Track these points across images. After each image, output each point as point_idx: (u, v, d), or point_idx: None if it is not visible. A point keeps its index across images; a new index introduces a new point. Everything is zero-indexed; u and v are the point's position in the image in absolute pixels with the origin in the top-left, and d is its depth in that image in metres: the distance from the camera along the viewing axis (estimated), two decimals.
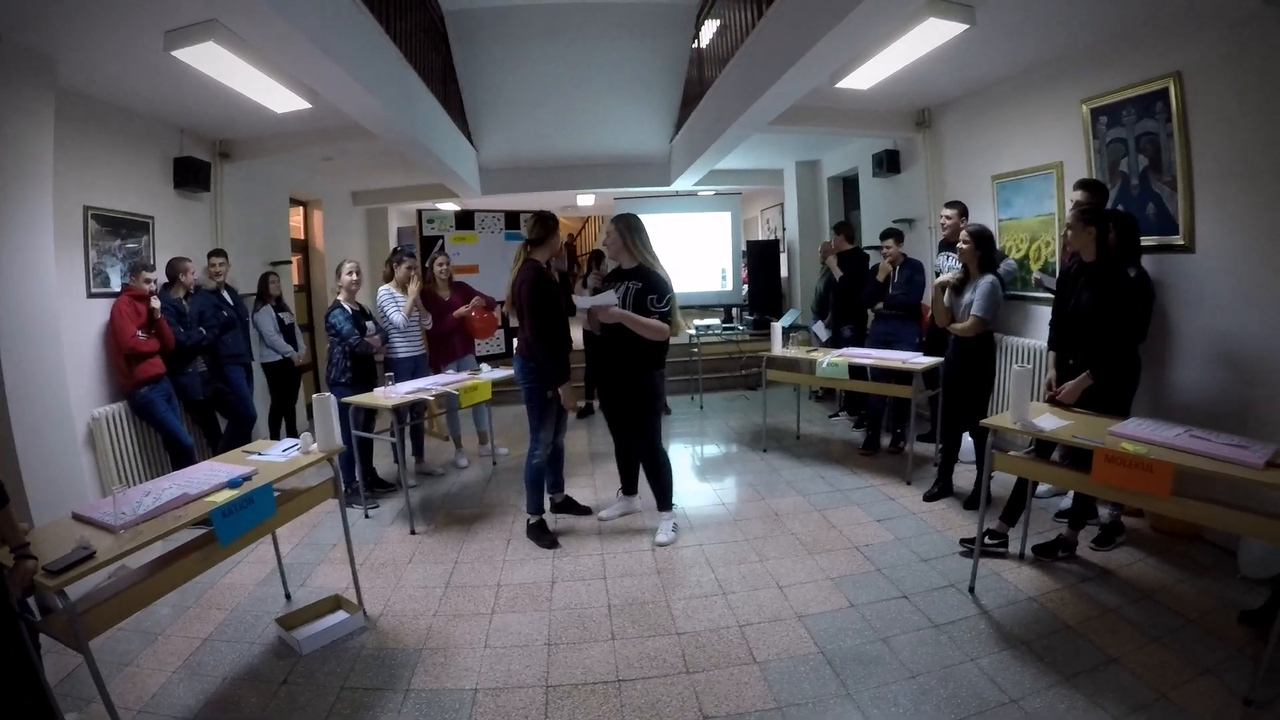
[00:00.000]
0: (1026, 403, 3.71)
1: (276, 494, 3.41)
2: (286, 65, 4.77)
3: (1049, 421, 3.63)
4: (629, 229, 4.72)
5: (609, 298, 4.54)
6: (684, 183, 10.49)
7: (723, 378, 10.35)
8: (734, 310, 12.41)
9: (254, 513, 3.21)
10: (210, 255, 6.47)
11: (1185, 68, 4.53)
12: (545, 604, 4.02)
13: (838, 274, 7.23)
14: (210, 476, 3.37)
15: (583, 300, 4.66)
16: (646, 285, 4.60)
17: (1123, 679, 3.04)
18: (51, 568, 2.42)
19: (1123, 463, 3.09)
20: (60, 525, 2.92)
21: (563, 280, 4.93)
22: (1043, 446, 3.96)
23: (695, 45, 8.93)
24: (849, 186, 10.38)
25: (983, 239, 4.89)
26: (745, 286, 12.35)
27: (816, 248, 9.38)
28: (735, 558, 4.51)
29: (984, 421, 3.85)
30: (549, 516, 5.18)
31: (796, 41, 4.88)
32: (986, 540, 4.16)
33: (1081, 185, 4.84)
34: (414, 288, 6.28)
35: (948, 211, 6.22)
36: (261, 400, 6.99)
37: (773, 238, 13.54)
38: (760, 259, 12.09)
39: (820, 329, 7.74)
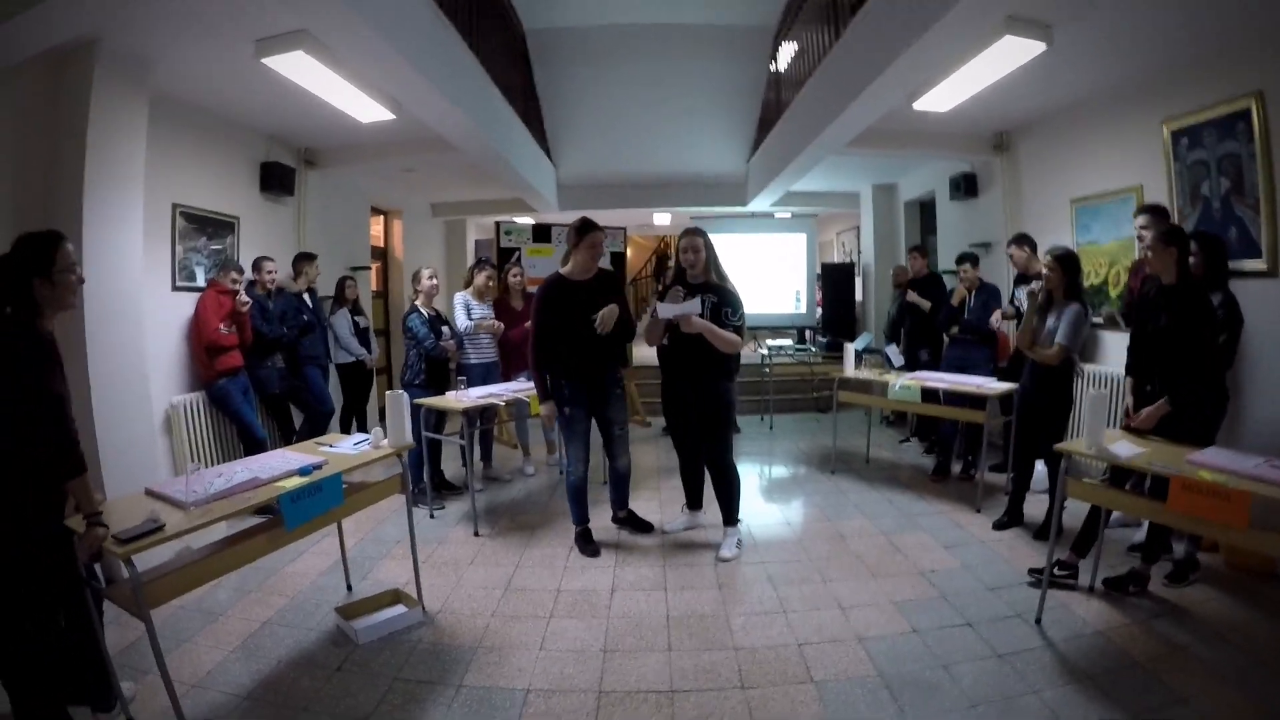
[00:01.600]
0: (1102, 428, 3.60)
1: (345, 485, 3.49)
2: (372, 75, 4.93)
3: (1125, 448, 3.52)
4: (709, 243, 4.72)
5: (693, 306, 4.51)
6: (760, 203, 10.51)
7: (794, 399, 10.25)
8: (807, 332, 12.32)
9: (321, 500, 3.28)
10: (303, 259, 6.69)
11: (1267, 87, 4.44)
12: (604, 611, 4.02)
13: (925, 305, 7.13)
14: (282, 463, 3.47)
15: (666, 309, 4.58)
16: (721, 299, 4.60)
17: None
18: (121, 536, 2.51)
19: (1200, 491, 2.97)
20: (133, 499, 3.03)
21: (604, 290, 4.84)
22: (1117, 475, 3.84)
23: (773, 68, 8.94)
24: (925, 210, 10.27)
25: (1069, 264, 4.75)
26: (819, 309, 12.26)
27: (891, 271, 9.30)
28: (798, 577, 4.45)
29: (1058, 446, 3.73)
30: (611, 528, 5.24)
31: (873, 61, 4.90)
32: (1056, 571, 4.02)
33: (1145, 211, 4.80)
34: (489, 326, 6.40)
35: (1016, 250, 6.11)
36: (334, 400, 7.11)
37: (848, 261, 13.44)
38: (835, 281, 12.02)
39: (894, 353, 7.65)
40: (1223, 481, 2.94)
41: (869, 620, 3.86)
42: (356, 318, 7.23)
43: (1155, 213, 4.75)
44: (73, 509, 2.64)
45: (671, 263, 4.94)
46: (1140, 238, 4.88)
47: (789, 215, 12.22)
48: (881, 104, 5.49)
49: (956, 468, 6.56)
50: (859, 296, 12.07)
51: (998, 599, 4.07)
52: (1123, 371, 4.85)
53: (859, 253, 12.33)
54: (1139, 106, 5.48)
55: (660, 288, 4.98)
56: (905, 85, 5.15)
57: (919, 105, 5.84)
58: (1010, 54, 4.72)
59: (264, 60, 4.53)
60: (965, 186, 8.08)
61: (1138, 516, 4.29)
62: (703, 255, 4.68)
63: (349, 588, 4.32)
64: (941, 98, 5.70)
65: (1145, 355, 4.08)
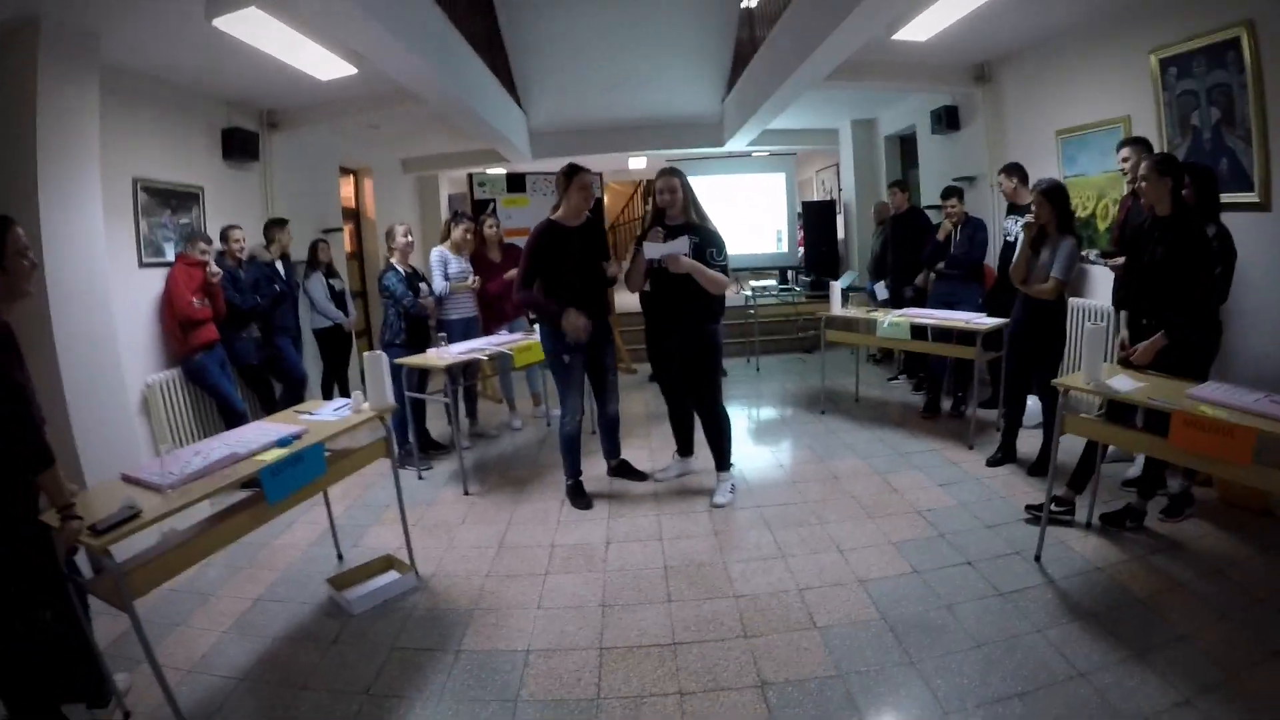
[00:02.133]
0: (1100, 363, 3.55)
1: (327, 453, 3.40)
2: (329, 29, 4.74)
3: (1123, 383, 3.47)
4: (686, 183, 4.61)
5: (680, 245, 4.38)
6: (737, 143, 10.34)
7: (779, 340, 10.21)
8: (789, 272, 12.24)
9: (303, 471, 3.20)
10: (274, 226, 6.52)
11: (1257, 15, 4.33)
12: (600, 565, 3.98)
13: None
14: (260, 436, 3.35)
15: (652, 249, 4.45)
16: (704, 239, 4.49)
17: (1193, 657, 2.90)
18: (97, 527, 2.41)
19: (1202, 427, 2.94)
20: (109, 486, 2.91)
21: (592, 237, 4.77)
22: (1114, 410, 3.80)
23: (745, 4, 8.72)
24: (906, 145, 10.16)
25: (1056, 196, 4.65)
26: (801, 248, 12.16)
27: (872, 208, 9.21)
28: (794, 520, 4.42)
29: (1055, 381, 3.69)
30: (604, 479, 5.18)
31: None
32: (1053, 507, 4.00)
33: (1128, 143, 4.77)
34: (466, 286, 6.29)
35: (1004, 180, 6.00)
36: (313, 366, 7.03)
37: (828, 198, 13.31)
38: (816, 220, 11.89)
39: (880, 288, 7.58)
40: (1224, 417, 2.89)
41: (869, 562, 3.85)
42: (331, 281, 7.05)
43: (1138, 145, 4.72)
44: (47, 503, 2.54)
45: (649, 205, 4.82)
46: (1123, 171, 4.84)
47: (767, 154, 12.07)
48: (861, 33, 5.31)
49: (946, 404, 6.53)
50: (841, 234, 11.95)
51: (996, 536, 4.07)
52: (1110, 304, 4.84)
53: (839, 190, 12.21)
54: (1126, 35, 5.36)
55: (640, 231, 4.86)
56: (887, 12, 5.01)
57: (899, 35, 5.70)
58: None
59: (215, 22, 4.34)
60: (947, 119, 7.95)
61: (1137, 452, 4.26)
62: (680, 195, 4.57)
63: (340, 557, 4.25)
64: (922, 26, 5.56)
65: (1140, 288, 4.01)
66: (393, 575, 3.87)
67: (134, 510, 2.50)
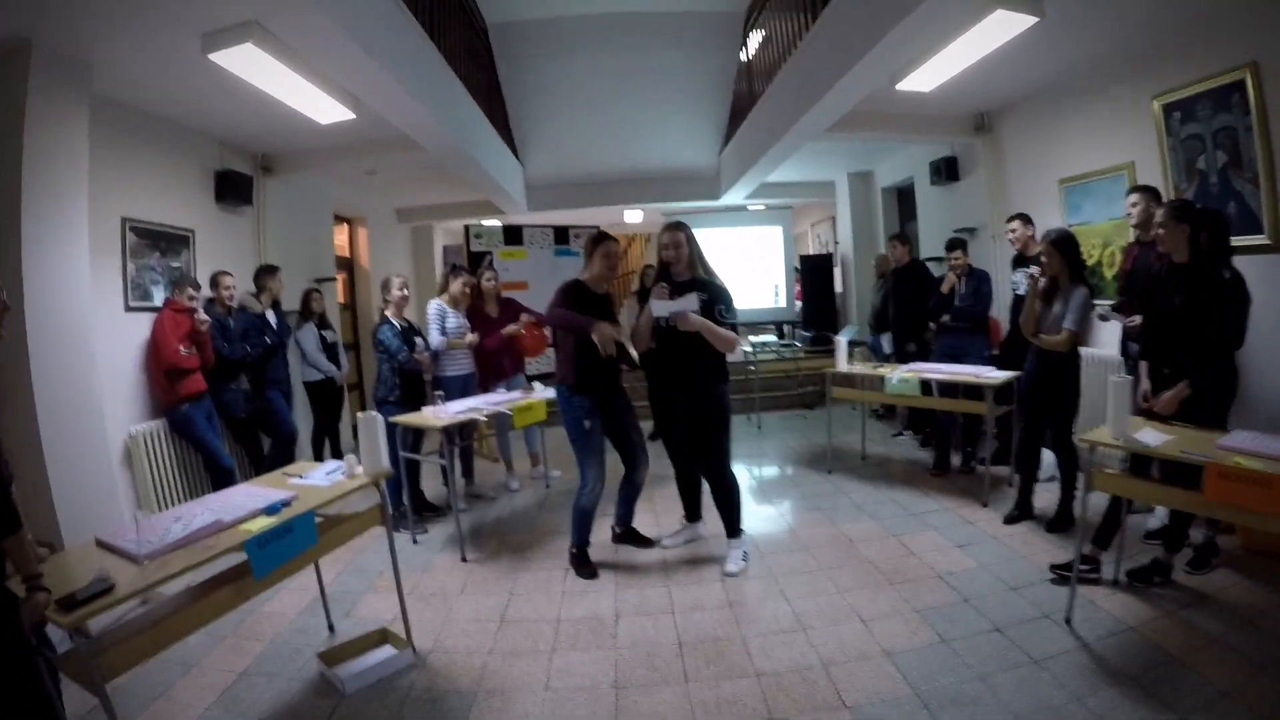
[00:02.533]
0: (1126, 416, 3.42)
1: (318, 521, 3.19)
2: (328, 68, 4.68)
3: (1150, 436, 3.34)
4: (692, 238, 4.48)
5: (690, 303, 4.21)
6: (734, 196, 10.33)
7: (778, 396, 10.04)
8: (786, 327, 12.15)
9: (293, 542, 2.97)
10: (265, 273, 6.38)
11: (1261, 58, 4.35)
12: (610, 640, 3.75)
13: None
14: (247, 501, 3.14)
15: (661, 305, 4.29)
16: (713, 295, 4.33)
17: (1238, 714, 2.77)
18: (76, 597, 2.21)
19: (1238, 479, 2.82)
20: (82, 550, 2.73)
21: (609, 304, 4.67)
22: (1136, 463, 3.67)
23: (744, 57, 8.76)
24: (904, 197, 10.15)
25: (1066, 246, 4.57)
26: (799, 302, 12.09)
27: (871, 261, 9.17)
28: (810, 588, 4.22)
29: (1083, 437, 3.56)
30: (608, 545, 4.97)
31: (860, 38, 4.72)
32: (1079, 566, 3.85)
33: (1137, 190, 4.75)
34: (464, 344, 6.13)
35: (1012, 226, 5.91)
36: (303, 420, 6.85)
37: (824, 252, 13.29)
38: (814, 274, 11.85)
39: (885, 342, 7.47)
40: (1260, 468, 2.80)
41: (894, 631, 3.65)
42: (324, 332, 6.92)
43: (1147, 192, 4.70)
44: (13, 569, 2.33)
45: (654, 260, 4.69)
46: (1128, 215, 4.81)
47: (763, 207, 12.05)
48: (866, 84, 5.32)
49: (955, 460, 6.37)
50: (839, 288, 11.90)
51: (1022, 599, 3.90)
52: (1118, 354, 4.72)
53: (835, 243, 12.18)
54: (1128, 81, 5.37)
55: (637, 287, 4.73)
56: (892, 63, 5.00)
57: (902, 86, 5.67)
58: (1000, 28, 4.59)
59: (212, 56, 4.25)
60: (946, 171, 7.93)
61: (1168, 506, 4.11)
62: (685, 250, 4.44)
63: (331, 628, 4.01)
64: (926, 77, 5.54)
65: (1159, 337, 3.92)
66: (388, 650, 3.63)
67: (107, 584, 2.29)
